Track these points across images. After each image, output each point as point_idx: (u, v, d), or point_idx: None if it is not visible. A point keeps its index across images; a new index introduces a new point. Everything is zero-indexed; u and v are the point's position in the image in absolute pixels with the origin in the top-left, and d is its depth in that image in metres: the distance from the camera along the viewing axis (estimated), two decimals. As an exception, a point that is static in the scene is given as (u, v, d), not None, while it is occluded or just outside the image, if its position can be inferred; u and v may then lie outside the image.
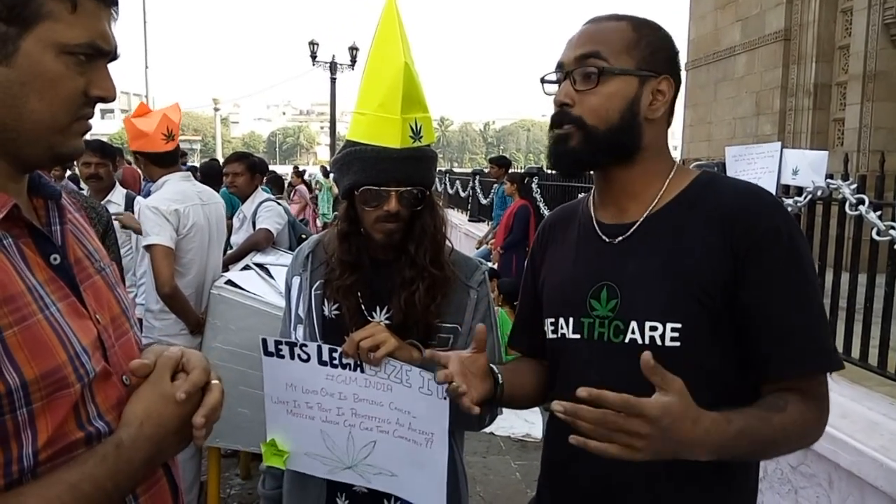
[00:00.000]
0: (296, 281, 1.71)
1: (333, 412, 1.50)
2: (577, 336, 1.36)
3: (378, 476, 1.51)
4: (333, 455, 1.53)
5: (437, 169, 1.68)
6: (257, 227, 4.15)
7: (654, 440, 1.05)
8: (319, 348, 1.47)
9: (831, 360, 1.23)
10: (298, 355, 1.47)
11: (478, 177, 12.30)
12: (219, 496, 3.54)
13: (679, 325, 1.24)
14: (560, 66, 1.33)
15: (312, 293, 1.66)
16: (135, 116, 3.40)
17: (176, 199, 3.17)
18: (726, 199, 1.27)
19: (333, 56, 24.19)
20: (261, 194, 4.45)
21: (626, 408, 1.05)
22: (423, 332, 1.59)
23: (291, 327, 1.71)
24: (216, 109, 33.93)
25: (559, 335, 1.41)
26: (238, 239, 4.33)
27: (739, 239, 1.22)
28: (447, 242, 1.67)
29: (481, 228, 10.69)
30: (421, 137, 1.57)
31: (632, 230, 1.32)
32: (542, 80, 1.37)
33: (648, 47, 1.29)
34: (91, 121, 1.04)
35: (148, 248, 3.06)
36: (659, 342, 1.24)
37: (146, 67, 29.07)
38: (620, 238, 1.33)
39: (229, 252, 4.19)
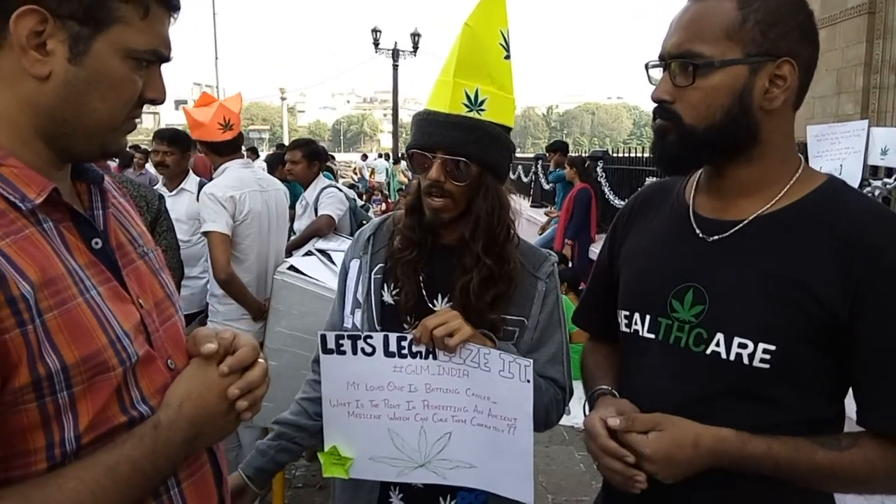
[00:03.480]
0: (354, 264, 1.65)
1: (402, 407, 1.41)
2: (652, 336, 1.27)
3: (454, 470, 1.43)
4: (403, 454, 1.44)
5: (512, 153, 1.57)
6: (319, 213, 4.17)
7: (663, 470, 1.13)
8: (386, 338, 1.39)
9: None
10: (362, 349, 1.39)
11: (540, 161, 12.12)
12: (284, 477, 3.61)
13: (773, 348, 1.13)
14: (661, 57, 1.22)
15: (372, 277, 1.59)
16: (196, 106, 3.47)
17: (233, 185, 3.20)
18: (855, 219, 1.13)
19: (396, 43, 24.29)
20: (322, 181, 4.47)
21: (629, 451, 1.14)
22: (485, 325, 1.49)
23: (348, 312, 1.64)
24: (283, 99, 34.73)
25: (632, 330, 1.32)
26: (301, 225, 4.37)
27: (864, 270, 1.09)
28: (512, 231, 1.56)
29: (543, 214, 10.53)
30: (482, 110, 1.47)
31: (734, 230, 1.20)
32: (647, 67, 1.26)
33: (759, 26, 1.12)
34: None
35: (205, 234, 3.12)
36: (746, 361, 1.14)
37: (216, 59, 29.92)
38: (718, 236, 1.22)
39: (292, 238, 4.24)
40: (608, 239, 1.51)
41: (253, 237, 3.26)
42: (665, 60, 1.19)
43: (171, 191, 4.10)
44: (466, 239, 1.52)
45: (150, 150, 5.06)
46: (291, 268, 3.30)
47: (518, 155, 21.53)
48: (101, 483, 0.88)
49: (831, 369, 1.14)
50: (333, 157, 14.02)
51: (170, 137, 4.03)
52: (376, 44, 23.82)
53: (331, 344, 1.41)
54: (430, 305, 1.55)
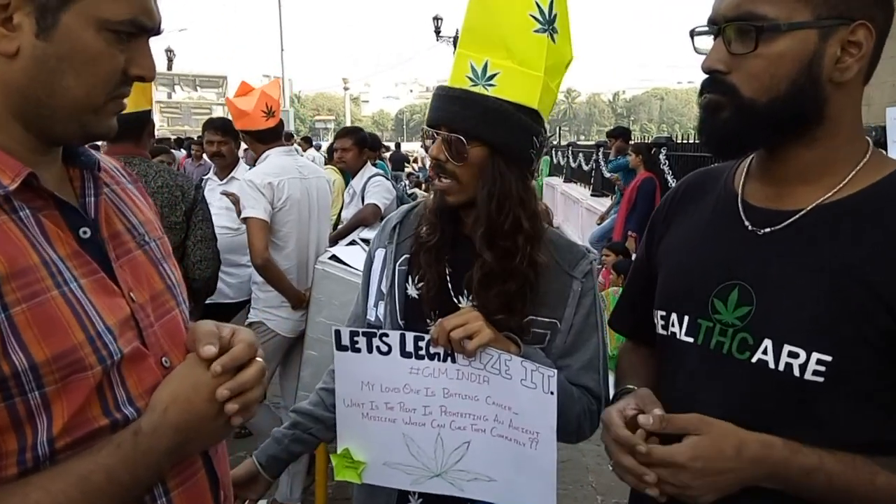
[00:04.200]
0: (379, 254, 1.55)
1: (419, 412, 1.32)
2: (690, 339, 1.13)
3: (473, 483, 1.33)
4: (419, 462, 1.35)
5: (536, 137, 1.39)
6: (365, 202, 4.13)
7: (700, 483, 0.99)
8: (402, 337, 1.30)
9: None
10: (377, 347, 1.31)
11: (601, 149, 11.81)
12: (326, 468, 3.59)
13: (829, 359, 0.97)
14: (712, 21, 1.06)
15: (396, 268, 1.50)
16: (236, 96, 3.46)
17: (272, 172, 3.18)
18: None
19: (457, 30, 24.08)
20: (370, 169, 4.43)
21: (656, 462, 1.00)
22: (510, 326, 1.36)
23: (372, 304, 1.56)
24: (345, 89, 35.23)
25: (668, 333, 1.18)
26: (349, 214, 4.34)
27: None
28: (535, 227, 1.39)
29: (604, 203, 10.24)
30: (491, 85, 1.33)
31: (790, 221, 1.05)
32: (693, 34, 1.10)
33: None
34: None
35: (244, 220, 3.12)
36: (797, 373, 0.99)
37: (281, 50, 30.54)
38: (771, 228, 1.06)
39: (339, 227, 4.21)
40: (647, 233, 1.36)
41: (292, 224, 3.23)
42: (718, 25, 1.04)
43: (221, 179, 4.13)
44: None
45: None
46: (333, 257, 3.26)
47: (579, 142, 21.19)
48: (69, 495, 0.81)
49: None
50: (387, 148, 14.01)
51: (223, 127, 4.07)
52: (437, 32, 23.74)
53: (345, 340, 1.33)
54: (456, 301, 1.43)
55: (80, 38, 0.86)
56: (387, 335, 1.31)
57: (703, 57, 1.07)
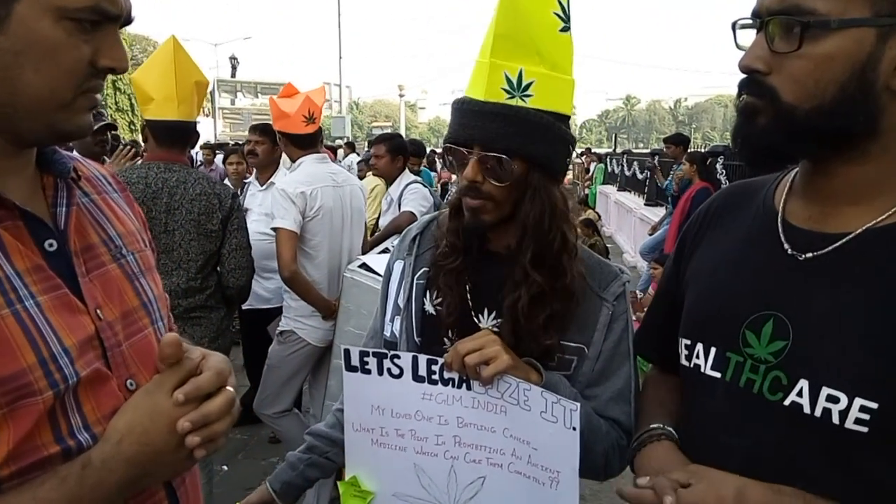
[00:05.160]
0: (398, 266, 1.48)
1: (431, 441, 1.24)
2: (717, 374, 1.02)
3: None
4: (430, 495, 1.27)
5: (571, 146, 1.32)
6: (402, 209, 4.08)
7: None
8: (415, 360, 1.22)
9: None
10: (388, 370, 1.23)
11: (656, 157, 11.51)
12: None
13: (874, 406, 0.85)
14: (755, 14, 0.94)
15: (414, 282, 1.42)
16: (281, 97, 3.45)
17: (305, 181, 3.16)
18: None
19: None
20: (407, 176, 4.38)
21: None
22: (540, 350, 1.28)
23: (388, 318, 1.48)
24: (401, 95, 35.50)
25: (692, 365, 1.06)
26: (386, 221, 4.30)
27: None
28: (575, 243, 1.31)
29: (658, 213, 9.96)
30: (527, 96, 1.23)
31: (835, 245, 0.93)
32: (734, 27, 0.98)
33: None
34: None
35: (274, 230, 3.09)
36: (837, 420, 0.87)
37: (340, 58, 31.02)
38: (813, 253, 0.94)
39: (376, 235, 4.18)
40: (675, 251, 1.25)
41: (324, 234, 3.20)
42: (761, 18, 0.92)
43: (261, 185, 4.17)
44: (513, 249, 1.30)
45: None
46: (364, 265, 3.21)
47: (634, 150, 20.70)
48: None
49: None
50: (436, 153, 13.93)
51: (262, 129, 4.17)
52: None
53: (355, 360, 1.26)
54: (476, 320, 1.35)
55: (36, 28, 0.80)
56: (398, 357, 1.24)
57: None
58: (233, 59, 36.47)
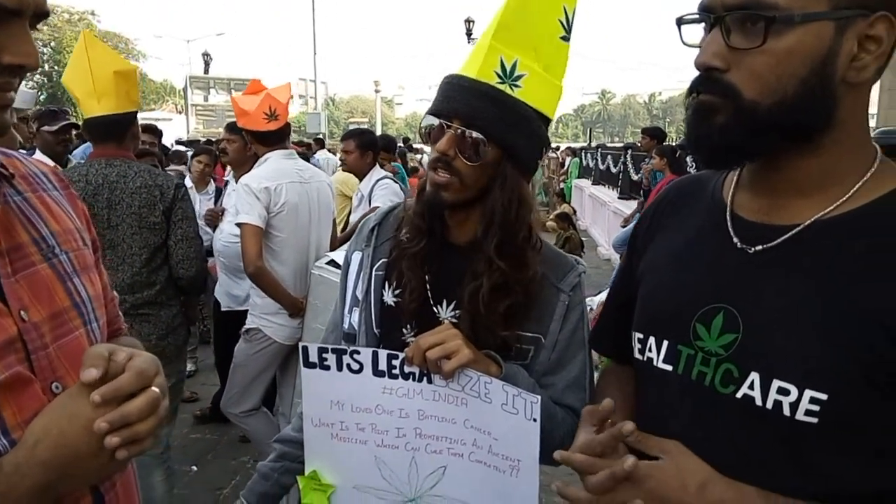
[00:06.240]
0: (356, 257, 1.47)
1: (392, 434, 1.25)
2: (669, 367, 1.02)
3: None
4: (392, 486, 1.28)
5: (544, 148, 1.33)
6: (372, 205, 4.06)
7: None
8: (375, 355, 1.23)
9: None
10: (348, 365, 1.24)
11: (629, 151, 11.62)
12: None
13: (824, 397, 0.85)
14: (706, 8, 0.92)
15: (373, 273, 1.41)
16: (244, 94, 3.42)
17: (269, 176, 3.12)
18: None
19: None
20: (378, 172, 4.36)
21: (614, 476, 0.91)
22: (498, 341, 1.29)
23: (346, 310, 1.48)
24: (376, 91, 35.38)
25: (645, 358, 1.06)
26: (356, 217, 4.28)
27: None
28: (539, 239, 1.34)
29: (630, 206, 10.04)
30: (516, 86, 1.25)
31: (785, 237, 0.93)
32: (680, 22, 0.96)
33: None
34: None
35: (238, 225, 3.06)
36: (787, 412, 0.87)
37: (314, 54, 30.75)
38: (763, 246, 0.94)
39: (345, 231, 4.15)
40: (629, 246, 1.25)
41: (290, 230, 3.17)
42: (714, 13, 0.90)
43: (237, 181, 4.13)
44: (479, 238, 1.30)
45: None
46: (331, 262, 3.19)
47: (608, 144, 20.90)
48: None
49: None
50: (415, 150, 13.94)
51: (232, 127, 4.12)
52: (469, 34, 23.67)
53: (313, 357, 1.25)
54: (435, 310, 1.35)
55: None
56: (358, 352, 1.24)
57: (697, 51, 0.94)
58: (206, 55, 35.99)
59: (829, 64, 0.86)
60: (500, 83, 1.24)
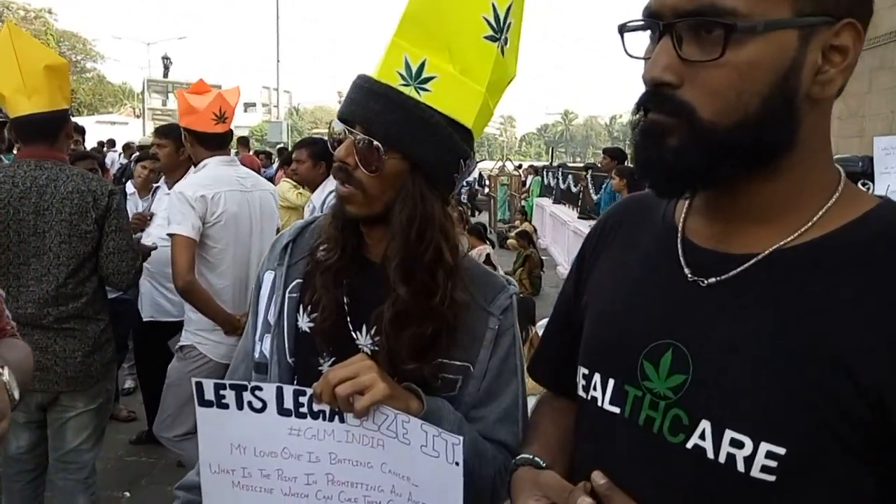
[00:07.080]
0: (268, 277, 1.32)
1: (301, 480, 1.12)
2: (616, 410, 0.89)
3: None
4: None
5: (463, 160, 1.19)
6: (323, 217, 3.90)
7: None
8: (280, 391, 1.09)
9: None
10: (249, 403, 1.09)
11: (590, 171, 11.70)
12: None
13: (782, 451, 0.74)
14: (653, 14, 0.80)
15: (286, 295, 1.27)
16: (190, 92, 3.25)
17: (207, 184, 2.95)
18: None
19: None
20: (331, 183, 4.18)
21: None
22: (416, 374, 1.16)
23: (258, 337, 1.32)
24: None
25: (589, 397, 0.94)
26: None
27: None
28: (455, 262, 1.18)
29: (590, 226, 10.08)
30: (424, 90, 1.11)
31: (740, 269, 0.82)
32: (622, 30, 0.84)
33: None
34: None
35: (170, 236, 2.87)
36: (742, 467, 0.76)
37: (277, 62, 30.50)
38: (717, 278, 0.83)
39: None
40: (573, 269, 1.12)
41: (228, 241, 2.99)
42: (663, 20, 0.78)
43: (169, 189, 3.91)
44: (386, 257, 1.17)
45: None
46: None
47: (570, 164, 21.16)
48: None
49: (870, 486, 0.74)
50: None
51: (163, 130, 3.95)
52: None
53: (209, 394, 1.10)
54: (353, 336, 1.22)
55: None
56: (260, 388, 1.09)
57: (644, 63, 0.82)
58: (165, 58, 35.39)
59: (792, 78, 0.76)
60: (404, 85, 1.12)
